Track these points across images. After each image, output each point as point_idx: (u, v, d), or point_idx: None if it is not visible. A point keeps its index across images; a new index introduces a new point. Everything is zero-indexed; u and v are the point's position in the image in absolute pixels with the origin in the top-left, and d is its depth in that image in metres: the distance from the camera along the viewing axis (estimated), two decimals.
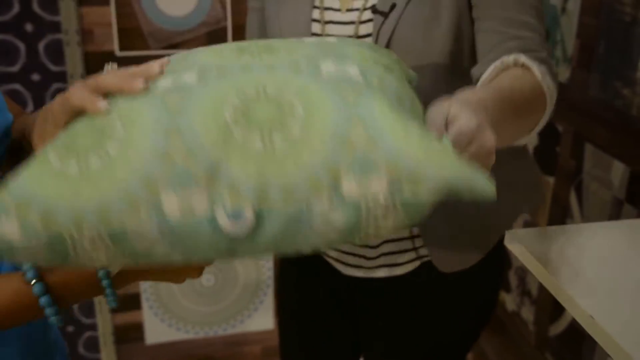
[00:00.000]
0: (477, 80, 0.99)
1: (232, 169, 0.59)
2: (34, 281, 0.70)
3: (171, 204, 0.59)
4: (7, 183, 0.61)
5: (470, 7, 1.06)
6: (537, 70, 0.93)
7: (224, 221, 0.60)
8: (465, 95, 0.73)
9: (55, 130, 0.71)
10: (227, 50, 0.71)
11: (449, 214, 1.15)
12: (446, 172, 0.59)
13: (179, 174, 0.59)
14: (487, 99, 0.76)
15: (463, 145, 0.66)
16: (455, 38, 1.05)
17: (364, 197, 0.60)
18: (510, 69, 0.93)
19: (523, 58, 0.93)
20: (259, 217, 0.60)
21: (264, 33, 1.25)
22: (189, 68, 0.68)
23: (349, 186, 0.60)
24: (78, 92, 0.68)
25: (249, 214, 0.60)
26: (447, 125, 0.66)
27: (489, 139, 0.67)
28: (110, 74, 0.69)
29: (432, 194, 0.59)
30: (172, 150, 0.59)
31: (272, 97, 0.62)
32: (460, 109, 0.67)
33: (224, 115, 0.61)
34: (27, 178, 0.60)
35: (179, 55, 0.73)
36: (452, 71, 1.08)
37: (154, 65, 0.69)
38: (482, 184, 0.59)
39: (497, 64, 0.94)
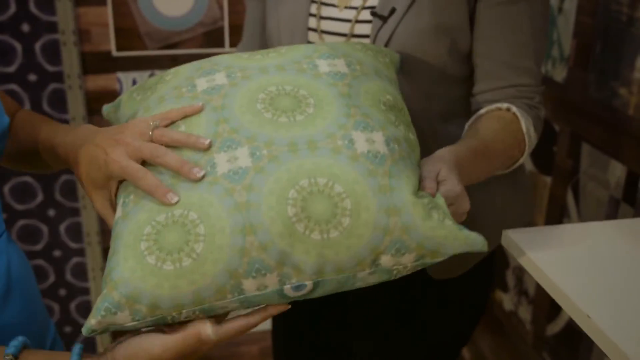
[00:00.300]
0: (474, 111, 1.10)
1: (296, 255, 0.75)
2: (10, 357, 0.71)
3: (250, 286, 0.75)
4: (111, 279, 0.74)
5: (471, 20, 1.06)
6: (523, 123, 1.04)
7: (289, 291, 0.77)
8: (450, 156, 0.90)
9: (107, 183, 0.82)
10: (269, 123, 0.82)
11: None
12: (457, 247, 0.79)
13: (256, 264, 0.74)
14: (465, 158, 0.92)
15: (447, 204, 0.83)
16: (453, 49, 1.06)
17: (396, 265, 0.78)
18: (502, 111, 1.05)
19: (514, 109, 1.05)
20: (315, 284, 0.77)
21: (263, 25, 1.25)
22: (235, 134, 0.80)
23: (386, 260, 0.77)
24: (143, 176, 0.77)
25: (309, 285, 0.77)
26: (437, 184, 0.84)
27: (466, 205, 0.86)
28: (167, 153, 0.78)
29: (443, 258, 0.79)
30: (249, 246, 0.74)
31: (323, 191, 0.76)
32: (448, 174, 0.85)
33: (287, 210, 0.74)
34: (130, 275, 0.73)
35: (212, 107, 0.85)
36: (447, 79, 1.09)
37: (204, 143, 0.79)
38: (479, 247, 0.80)
39: (491, 107, 1.06)
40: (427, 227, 0.77)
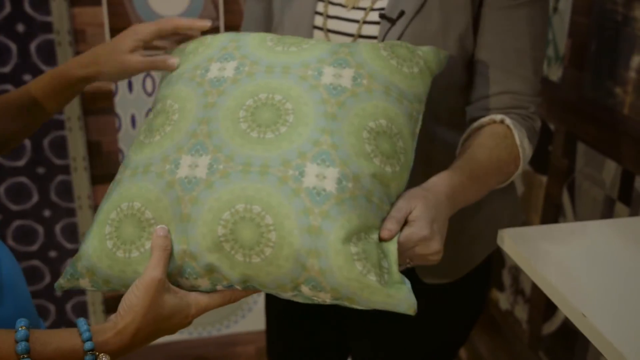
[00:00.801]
0: (471, 120, 1.10)
1: (223, 269, 0.83)
2: (25, 356, 0.73)
3: (184, 283, 0.86)
4: (80, 249, 0.88)
5: (475, 26, 1.06)
6: (517, 137, 1.04)
7: (221, 289, 0.86)
8: (440, 187, 0.90)
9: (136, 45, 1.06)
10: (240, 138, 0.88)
11: None
12: (374, 302, 0.80)
13: (187, 268, 0.84)
14: (459, 186, 0.93)
15: (409, 246, 0.84)
16: (459, 54, 1.06)
17: (315, 297, 0.82)
18: (496, 125, 1.05)
19: (508, 121, 1.04)
20: (245, 287, 0.86)
21: (268, 24, 1.24)
22: (208, 139, 0.88)
23: (306, 290, 0.81)
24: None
25: (240, 286, 0.85)
26: (405, 223, 0.85)
27: (434, 246, 0.85)
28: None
29: (364, 307, 0.81)
30: (182, 253, 0.83)
31: (254, 219, 0.81)
32: (419, 215, 0.85)
33: (218, 230, 0.81)
34: (92, 252, 0.87)
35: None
36: (452, 85, 1.09)
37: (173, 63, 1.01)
38: (403, 309, 0.80)
39: (485, 120, 1.06)
40: (342, 276, 0.78)
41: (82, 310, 2.27)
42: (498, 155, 1.02)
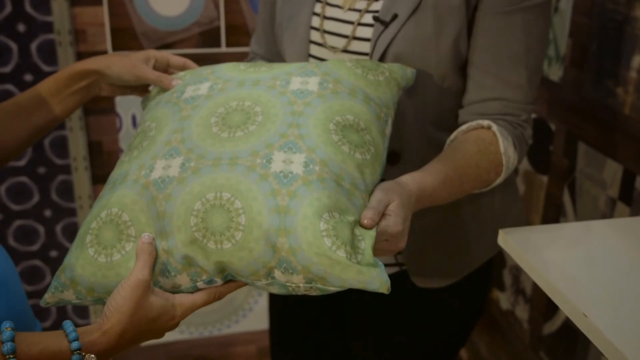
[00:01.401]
0: (461, 123, 1.10)
1: (198, 260, 0.84)
2: (11, 356, 0.73)
3: (165, 283, 0.87)
4: (64, 262, 0.89)
5: (469, 30, 1.05)
6: (502, 144, 1.03)
7: (202, 286, 0.87)
8: (412, 187, 0.91)
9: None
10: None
11: (429, 237, 1.16)
12: (346, 280, 0.80)
13: (166, 266, 0.86)
14: (430, 188, 0.94)
15: (381, 239, 0.85)
16: (451, 58, 1.05)
17: (289, 283, 0.83)
18: (482, 130, 1.05)
19: (494, 128, 1.04)
20: (224, 279, 0.87)
21: (272, 24, 1.26)
22: (181, 144, 0.91)
23: (279, 275, 0.82)
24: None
25: (219, 281, 0.87)
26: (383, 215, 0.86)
27: (401, 244, 0.88)
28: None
29: (337, 288, 0.82)
30: (161, 250, 0.86)
31: (224, 205, 0.83)
32: (396, 209, 0.86)
33: (190, 220, 0.84)
34: (75, 261, 0.88)
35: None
36: (444, 88, 1.09)
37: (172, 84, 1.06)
38: (375, 287, 0.80)
39: (472, 124, 1.05)
40: (312, 252, 0.79)
41: (83, 310, 2.27)
42: (478, 161, 1.02)
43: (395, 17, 1.03)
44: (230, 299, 2.38)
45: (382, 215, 0.86)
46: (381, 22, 1.04)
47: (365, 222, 0.84)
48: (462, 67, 1.08)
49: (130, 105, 2.08)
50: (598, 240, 1.00)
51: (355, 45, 1.09)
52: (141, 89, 1.17)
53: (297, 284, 0.82)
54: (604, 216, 1.46)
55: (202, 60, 2.05)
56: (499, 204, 1.20)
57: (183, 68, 1.15)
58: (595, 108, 1.48)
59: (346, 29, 1.10)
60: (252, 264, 0.82)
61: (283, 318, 1.42)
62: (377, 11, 1.07)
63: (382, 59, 1.06)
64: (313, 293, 0.84)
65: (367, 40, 1.08)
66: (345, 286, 0.81)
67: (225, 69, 1.02)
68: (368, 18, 1.08)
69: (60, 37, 1.93)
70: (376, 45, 1.05)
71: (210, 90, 0.97)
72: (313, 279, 0.81)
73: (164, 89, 1.07)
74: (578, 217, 1.57)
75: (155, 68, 1.14)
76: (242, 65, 1.03)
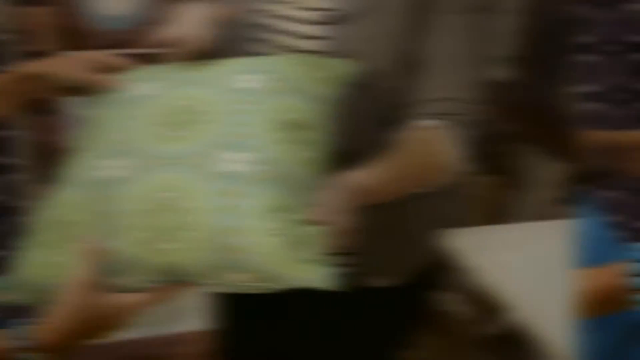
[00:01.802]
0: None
1: (147, 260, 0.84)
2: None
3: (113, 285, 0.85)
4: (14, 268, 0.90)
5: (420, 28, 1.05)
6: (447, 144, 1.04)
7: (150, 286, 0.85)
8: (355, 184, 0.92)
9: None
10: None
11: (375, 236, 1.15)
12: (292, 277, 0.81)
13: (112, 267, 0.84)
14: (369, 186, 0.95)
15: (329, 234, 0.86)
16: (401, 57, 1.05)
17: (238, 282, 0.83)
18: (428, 130, 1.04)
19: (441, 127, 1.04)
20: (175, 280, 0.85)
21: None
22: (125, 145, 0.92)
23: (227, 275, 0.82)
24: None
25: (167, 281, 0.85)
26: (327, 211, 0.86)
27: (348, 241, 0.88)
28: None
29: (286, 287, 0.82)
30: (107, 251, 0.84)
31: (171, 205, 0.83)
32: (341, 208, 0.88)
33: (138, 221, 0.84)
34: (19, 263, 0.89)
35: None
36: (398, 87, 1.08)
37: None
38: (321, 286, 0.81)
39: (419, 123, 1.05)
40: (260, 252, 0.80)
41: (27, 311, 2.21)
42: (422, 161, 1.03)
43: (344, 16, 1.03)
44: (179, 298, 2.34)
45: (330, 211, 0.87)
46: (337, 19, 1.03)
47: (312, 219, 0.84)
48: (412, 66, 1.08)
49: (75, 106, 2.06)
50: (543, 241, 1.01)
51: (305, 43, 1.09)
52: (85, 90, 1.14)
53: (246, 283, 0.83)
54: (549, 218, 1.48)
55: (148, 60, 2.03)
56: (443, 205, 1.20)
57: (126, 68, 1.13)
58: (543, 109, 1.49)
59: (300, 28, 1.10)
60: (202, 264, 0.82)
61: (229, 318, 1.40)
62: (331, 9, 1.07)
63: (331, 56, 1.05)
64: (262, 292, 0.84)
65: (318, 38, 1.08)
66: (293, 284, 0.81)
67: (170, 68, 1.03)
68: (322, 17, 1.08)
69: (7, 37, 1.92)
70: (327, 43, 1.06)
71: (155, 89, 0.98)
72: (263, 278, 0.81)
73: (108, 90, 1.05)
74: (522, 218, 1.59)
75: (98, 69, 1.12)
76: (187, 64, 1.03)
